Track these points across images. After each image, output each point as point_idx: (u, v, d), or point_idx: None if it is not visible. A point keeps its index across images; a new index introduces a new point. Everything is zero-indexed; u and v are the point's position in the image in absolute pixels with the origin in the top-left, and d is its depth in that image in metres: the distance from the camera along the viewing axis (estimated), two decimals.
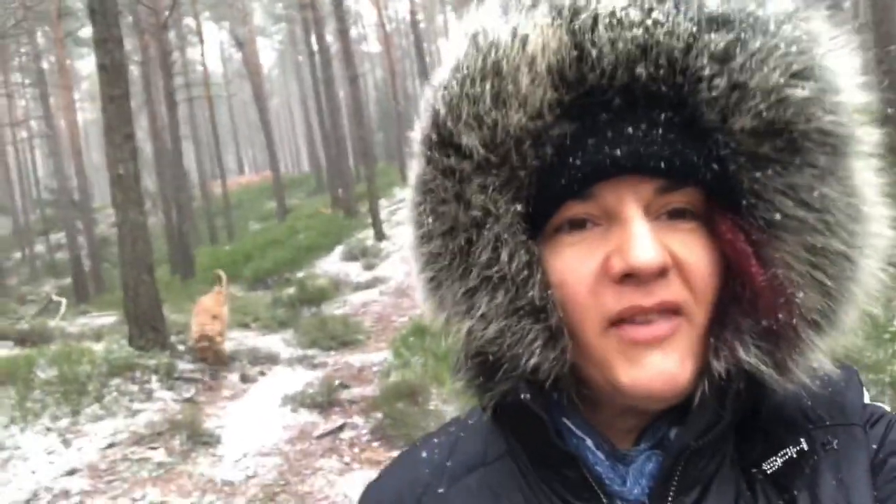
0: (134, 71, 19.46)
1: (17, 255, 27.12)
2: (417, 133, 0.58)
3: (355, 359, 8.27)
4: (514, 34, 0.52)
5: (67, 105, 25.25)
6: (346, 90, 22.23)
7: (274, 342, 9.30)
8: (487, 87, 0.52)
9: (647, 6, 0.51)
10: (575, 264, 0.53)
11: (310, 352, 8.76)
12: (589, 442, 0.59)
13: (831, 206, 0.52)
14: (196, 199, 27.39)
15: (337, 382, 7.14)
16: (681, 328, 0.53)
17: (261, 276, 15.20)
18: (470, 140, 0.53)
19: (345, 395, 6.82)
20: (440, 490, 0.65)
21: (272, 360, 8.37)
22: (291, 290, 12.61)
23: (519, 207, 0.53)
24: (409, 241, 0.60)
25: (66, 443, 5.67)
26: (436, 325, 0.59)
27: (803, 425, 0.57)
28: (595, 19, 0.51)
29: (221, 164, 30.88)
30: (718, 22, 0.50)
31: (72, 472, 5.20)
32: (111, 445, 5.63)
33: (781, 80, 0.50)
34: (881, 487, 0.54)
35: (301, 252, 16.95)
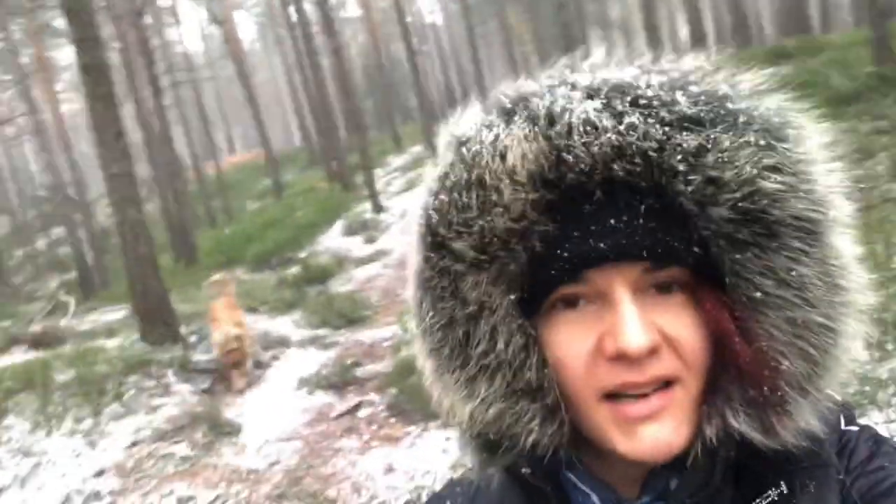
0: (115, 58, 19.23)
1: (19, 253, 27.17)
2: (414, 231, 0.62)
3: (365, 335, 8.39)
4: (495, 147, 0.56)
5: (51, 98, 24.99)
6: (331, 60, 21.95)
7: (284, 324, 9.40)
8: (473, 197, 0.56)
9: (619, 111, 0.54)
10: (571, 342, 0.57)
11: (320, 332, 8.87)
12: (594, 497, 0.64)
13: (809, 283, 0.55)
14: (191, 183, 27.28)
15: (350, 361, 7.26)
16: (675, 398, 0.57)
17: (264, 258, 15.26)
18: (460, 245, 0.57)
19: (359, 373, 6.94)
20: None
21: (284, 343, 8.48)
22: (295, 270, 12.69)
23: (512, 297, 0.57)
24: (413, 331, 0.64)
25: (92, 444, 5.81)
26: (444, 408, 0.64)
27: (784, 467, 0.60)
28: (570, 127, 0.54)
29: (213, 145, 30.69)
30: (690, 120, 0.54)
31: (100, 473, 5.35)
32: (135, 443, 5.78)
33: (754, 172, 0.53)
34: None
35: (301, 230, 16.98)
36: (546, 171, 0.54)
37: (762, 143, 0.54)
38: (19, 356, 8.75)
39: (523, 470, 0.61)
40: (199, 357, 7.66)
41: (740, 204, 0.53)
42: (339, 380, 6.77)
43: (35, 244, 27.83)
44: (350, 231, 16.11)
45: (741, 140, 0.53)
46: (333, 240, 16.01)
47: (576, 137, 0.54)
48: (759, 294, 0.55)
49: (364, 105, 34.69)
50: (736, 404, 0.57)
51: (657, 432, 0.56)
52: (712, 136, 0.53)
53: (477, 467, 0.65)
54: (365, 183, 17.93)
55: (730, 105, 0.55)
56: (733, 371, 0.57)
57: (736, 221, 0.54)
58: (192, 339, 8.23)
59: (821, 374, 0.57)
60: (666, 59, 0.61)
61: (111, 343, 8.18)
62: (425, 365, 0.63)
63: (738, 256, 0.54)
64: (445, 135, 0.62)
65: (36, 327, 10.42)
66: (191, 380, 7.13)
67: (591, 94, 0.56)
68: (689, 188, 0.53)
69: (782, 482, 0.60)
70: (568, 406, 0.58)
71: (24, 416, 6.26)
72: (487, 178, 0.56)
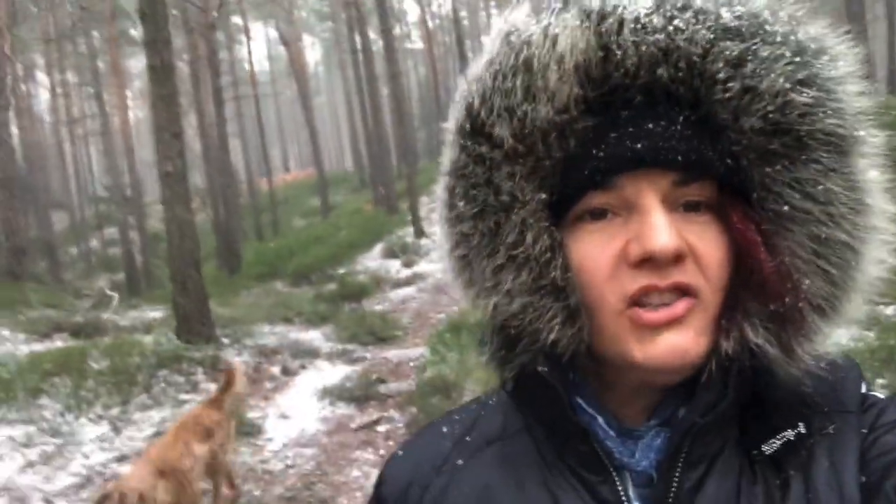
0: (183, 69, 20.04)
1: (74, 250, 28.14)
2: (451, 122, 0.62)
3: (393, 354, 8.43)
4: (546, 34, 0.57)
5: (121, 104, 26.10)
6: (389, 86, 22.45)
7: (315, 336, 9.52)
8: (518, 81, 0.56)
9: (668, 14, 0.55)
10: (595, 250, 0.57)
11: (349, 346, 8.95)
12: (600, 420, 0.63)
13: (835, 199, 0.56)
14: (243, 196, 27.97)
15: (374, 377, 7.31)
16: (695, 309, 0.57)
17: (304, 272, 15.48)
18: (501, 130, 0.57)
19: (382, 389, 6.98)
20: (459, 462, 0.69)
21: (313, 354, 8.58)
22: (333, 286, 12.85)
23: (543, 195, 0.58)
24: (440, 222, 0.64)
25: (117, 430, 5.96)
26: (466, 301, 0.64)
27: (802, 411, 0.60)
28: (621, 23, 0.55)
29: (268, 161, 31.49)
30: (732, 32, 0.55)
31: (122, 458, 5.47)
32: (158, 434, 5.88)
33: (787, 86, 0.54)
34: (869, 465, 0.57)
35: (343, 248, 17.21)
36: (593, 66, 0.55)
37: (797, 59, 0.55)
38: (60, 343, 9.04)
39: (540, 368, 0.60)
40: (231, 358, 7.80)
41: (771, 115, 0.54)
42: (362, 393, 6.81)
43: (89, 242, 28.80)
44: (390, 253, 16.26)
45: (778, 52, 0.55)
46: (373, 260, 16.18)
47: (626, 34, 0.55)
48: (786, 207, 0.56)
49: (417, 134, 35.24)
50: (755, 319, 0.57)
51: (675, 338, 0.56)
52: (752, 47, 0.54)
53: (495, 367, 0.64)
54: (409, 208, 18.13)
55: (768, 27, 0.56)
56: (755, 286, 0.57)
57: (767, 132, 0.55)
58: (226, 340, 8.39)
59: (839, 296, 0.57)
60: None
61: (147, 338, 8.39)
62: (450, 258, 0.63)
63: (767, 169, 0.56)
64: (493, 29, 0.62)
65: (79, 317, 10.76)
66: (219, 379, 7.26)
67: None
68: (727, 95, 0.54)
69: (800, 423, 0.59)
70: (588, 317, 0.58)
71: (58, 398, 6.46)
72: (535, 62, 0.56)
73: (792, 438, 0.59)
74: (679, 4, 0.56)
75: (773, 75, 0.54)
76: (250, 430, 6.01)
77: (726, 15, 0.56)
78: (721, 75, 0.54)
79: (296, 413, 6.51)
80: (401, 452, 0.75)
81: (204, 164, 21.42)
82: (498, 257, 0.59)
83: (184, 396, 6.73)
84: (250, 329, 9.12)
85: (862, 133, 0.57)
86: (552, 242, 0.58)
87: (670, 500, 0.59)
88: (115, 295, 13.82)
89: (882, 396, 0.63)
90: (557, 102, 0.55)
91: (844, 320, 0.59)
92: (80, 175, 33.51)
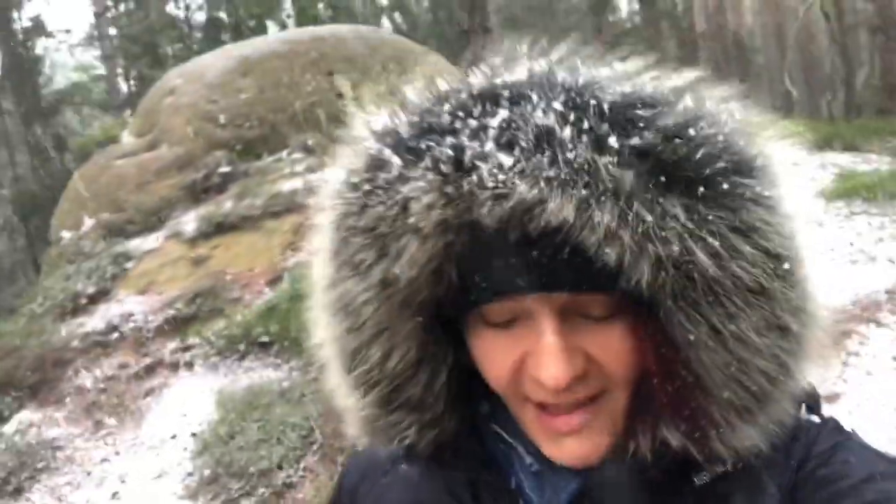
0: None
1: None
2: (318, 234, 0.58)
3: None
4: (393, 195, 0.51)
5: None
6: None
7: None
8: (369, 242, 0.53)
9: (533, 172, 0.47)
10: (496, 353, 0.55)
11: None
12: (521, 449, 0.62)
13: (748, 335, 0.50)
14: None
15: None
16: (599, 410, 0.55)
17: None
18: (355, 286, 0.55)
19: None
20: (402, 466, 0.68)
21: None
22: None
23: (420, 319, 0.55)
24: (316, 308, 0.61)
25: None
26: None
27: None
28: (480, 180, 0.48)
29: None
30: (611, 192, 0.47)
31: None
32: None
33: (681, 245, 0.47)
34: (806, 500, 0.56)
35: None
36: (455, 220, 0.50)
37: (699, 209, 0.48)
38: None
39: (405, 465, 0.65)
40: None
41: (663, 272, 0.48)
42: None
43: None
44: None
45: (667, 216, 0.47)
46: None
47: (487, 196, 0.48)
48: (692, 338, 0.50)
49: None
50: (669, 419, 0.54)
51: (577, 447, 0.55)
52: (633, 211, 0.47)
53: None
54: None
55: (665, 156, 0.48)
56: (665, 392, 0.54)
57: (663, 279, 0.49)
58: None
59: (764, 403, 0.54)
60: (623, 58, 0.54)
61: None
62: (324, 357, 0.63)
63: (669, 304, 0.49)
64: (331, 169, 0.57)
65: None
66: None
67: (506, 143, 0.48)
68: (605, 260, 0.48)
69: (728, 461, 0.56)
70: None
71: None
72: (384, 227, 0.52)
73: (719, 474, 0.57)
74: (547, 158, 0.47)
75: (663, 235, 0.47)
76: None
77: (604, 160, 0.47)
78: (592, 240, 0.47)
79: None
80: (360, 449, 0.75)
81: None
82: (352, 376, 0.59)
83: None
84: None
85: (788, 266, 0.51)
86: (421, 356, 0.57)
87: None
88: None
89: (817, 421, 0.61)
90: (419, 261, 0.51)
91: (773, 421, 0.55)
92: None
